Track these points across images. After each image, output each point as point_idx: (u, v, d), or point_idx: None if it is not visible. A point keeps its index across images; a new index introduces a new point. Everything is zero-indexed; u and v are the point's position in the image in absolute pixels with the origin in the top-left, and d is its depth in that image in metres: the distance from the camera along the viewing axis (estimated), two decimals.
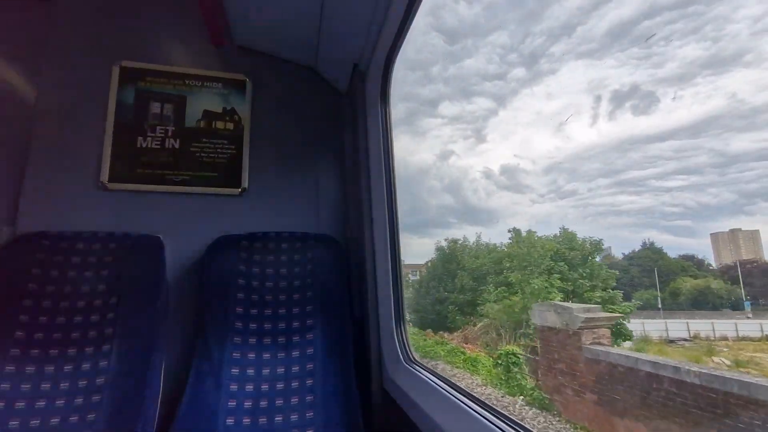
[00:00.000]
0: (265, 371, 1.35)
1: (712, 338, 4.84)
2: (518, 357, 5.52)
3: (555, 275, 7.17)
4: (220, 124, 1.69)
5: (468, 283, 9.93)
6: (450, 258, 11.69)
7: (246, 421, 1.25)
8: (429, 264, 12.60)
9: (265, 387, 1.32)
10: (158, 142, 1.60)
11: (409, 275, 12.73)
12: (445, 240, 12.47)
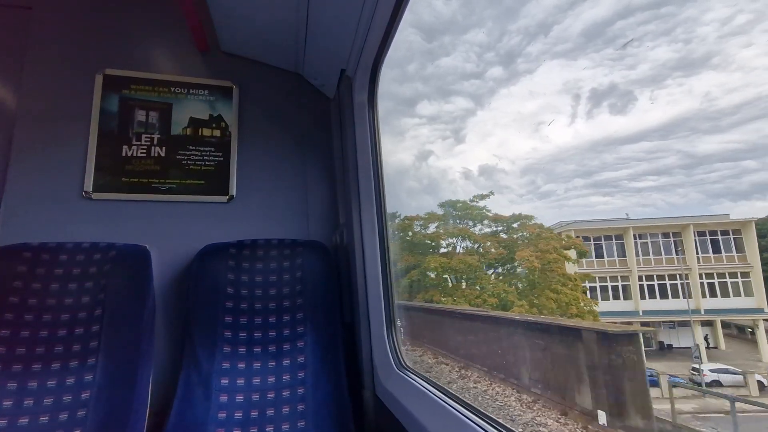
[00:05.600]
0: (256, 381, 1.33)
1: None
2: None
3: None
4: (206, 132, 1.67)
5: None
6: None
7: None
8: None
9: (255, 397, 1.31)
10: (144, 151, 1.58)
11: None
12: None
